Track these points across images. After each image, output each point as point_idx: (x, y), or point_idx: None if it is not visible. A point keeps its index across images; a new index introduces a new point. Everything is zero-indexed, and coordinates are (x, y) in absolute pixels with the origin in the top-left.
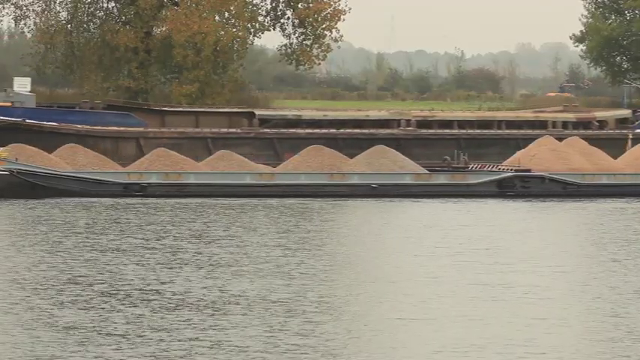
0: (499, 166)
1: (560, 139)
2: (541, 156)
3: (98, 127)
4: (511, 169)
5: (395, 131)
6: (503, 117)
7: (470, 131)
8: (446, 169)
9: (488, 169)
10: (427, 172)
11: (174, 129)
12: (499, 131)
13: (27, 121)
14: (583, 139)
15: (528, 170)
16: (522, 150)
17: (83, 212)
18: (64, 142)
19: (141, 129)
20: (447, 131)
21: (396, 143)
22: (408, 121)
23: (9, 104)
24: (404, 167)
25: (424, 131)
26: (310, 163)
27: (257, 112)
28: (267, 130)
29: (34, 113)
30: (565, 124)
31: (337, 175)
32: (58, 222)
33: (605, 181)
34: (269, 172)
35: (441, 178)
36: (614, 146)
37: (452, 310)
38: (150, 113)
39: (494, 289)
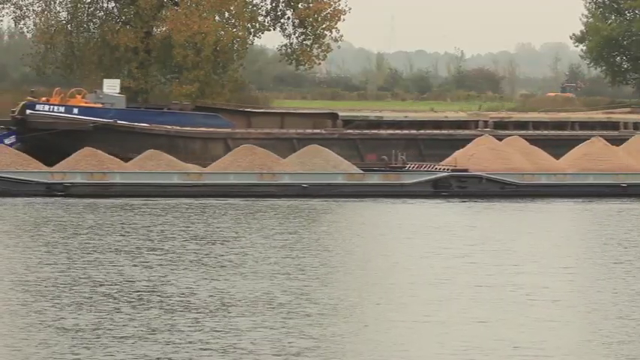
0: (437, 166)
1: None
2: (480, 155)
3: (187, 128)
4: (447, 169)
5: (473, 132)
6: (576, 118)
7: (545, 132)
8: (382, 168)
9: (425, 168)
10: (361, 172)
11: (261, 130)
12: (573, 132)
13: (118, 122)
14: None
15: (465, 170)
16: (461, 149)
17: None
18: (155, 143)
19: (229, 130)
20: (523, 132)
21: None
22: (486, 122)
23: (100, 105)
24: (337, 167)
25: (500, 132)
26: (241, 163)
27: (340, 113)
28: (350, 131)
29: (125, 114)
30: (636, 125)
31: (267, 174)
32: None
33: (544, 181)
34: (197, 171)
35: (375, 178)
36: None
37: (463, 312)
38: (236, 114)
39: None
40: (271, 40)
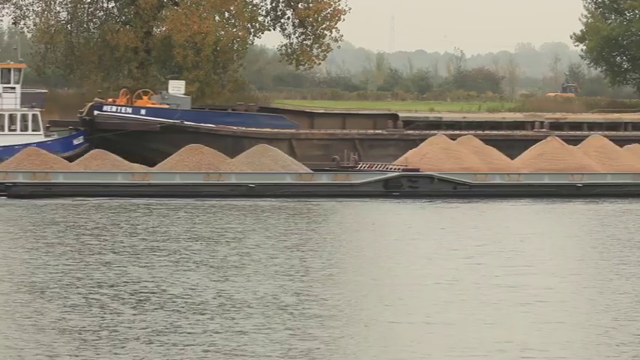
0: (389, 166)
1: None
2: (432, 155)
3: (253, 129)
4: (398, 169)
5: (529, 133)
6: (630, 119)
7: (599, 133)
8: (334, 168)
9: (377, 168)
10: (310, 171)
11: (324, 130)
12: (626, 133)
13: (185, 122)
14: None
15: (417, 170)
16: (413, 149)
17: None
18: (221, 144)
19: (293, 130)
20: (578, 132)
21: (528, 144)
22: (542, 123)
23: (166, 106)
24: (286, 167)
25: (556, 133)
26: (188, 163)
27: (400, 114)
28: (411, 132)
29: (191, 115)
30: None
31: (214, 174)
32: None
33: (498, 181)
34: (142, 171)
35: (324, 178)
36: None
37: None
38: (299, 115)
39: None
40: (271, 40)
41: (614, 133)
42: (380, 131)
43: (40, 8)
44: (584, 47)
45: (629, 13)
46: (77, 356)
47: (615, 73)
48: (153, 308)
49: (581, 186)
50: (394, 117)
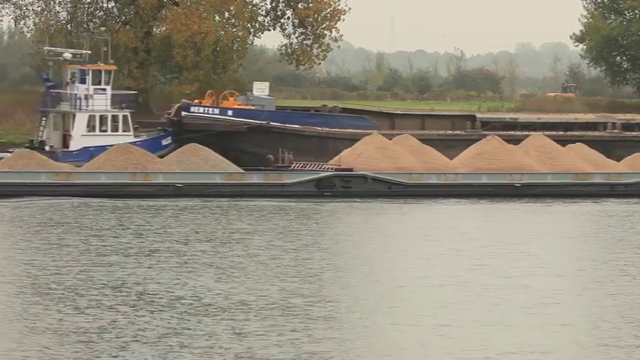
0: (323, 166)
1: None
2: (367, 154)
3: (337, 130)
4: (332, 169)
5: (602, 133)
6: None
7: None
8: (267, 168)
9: (310, 168)
10: (240, 171)
11: (405, 131)
12: None
13: (271, 123)
14: None
15: (350, 169)
16: (348, 149)
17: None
18: (306, 144)
19: (375, 131)
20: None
21: (601, 145)
22: (614, 124)
23: (252, 107)
24: (216, 166)
25: (628, 134)
26: (115, 162)
27: (478, 115)
28: (488, 132)
29: (276, 116)
30: None
31: (140, 174)
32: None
33: (434, 180)
34: (67, 171)
35: (254, 178)
36: None
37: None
38: (379, 116)
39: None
40: (271, 40)
41: None
42: (459, 132)
43: (39, 8)
44: (584, 47)
45: (628, 13)
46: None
47: (615, 73)
48: (159, 310)
49: (519, 186)
50: (472, 118)
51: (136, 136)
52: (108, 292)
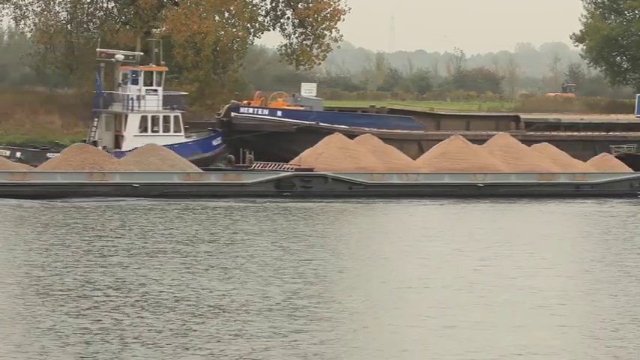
0: (284, 166)
1: None
2: (328, 154)
3: (384, 130)
4: (291, 169)
5: None
6: None
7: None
8: (228, 168)
9: (271, 168)
10: (199, 171)
11: (451, 131)
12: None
13: (320, 124)
14: None
15: (311, 169)
16: (309, 148)
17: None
18: None
19: (422, 132)
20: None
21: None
22: None
23: (301, 108)
24: (174, 166)
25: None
26: (72, 162)
27: (522, 116)
28: (532, 133)
29: (324, 116)
30: None
31: (97, 174)
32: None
33: (395, 180)
34: (22, 170)
35: (213, 178)
36: None
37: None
38: (425, 117)
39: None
40: (271, 40)
41: None
42: (503, 132)
43: (39, 8)
44: (584, 47)
45: (628, 13)
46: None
47: (615, 73)
48: (162, 311)
49: (482, 186)
50: (516, 119)
51: (186, 137)
52: (110, 294)
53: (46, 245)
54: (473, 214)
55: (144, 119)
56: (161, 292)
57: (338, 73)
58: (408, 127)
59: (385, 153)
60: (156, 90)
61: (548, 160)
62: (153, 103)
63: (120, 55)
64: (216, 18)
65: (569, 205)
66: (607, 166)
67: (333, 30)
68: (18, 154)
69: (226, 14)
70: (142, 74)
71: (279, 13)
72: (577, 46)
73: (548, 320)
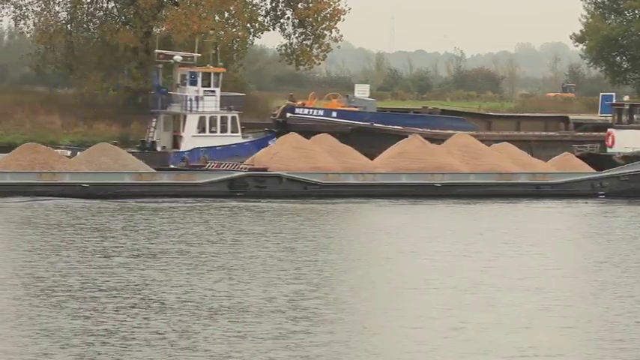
0: (239, 166)
1: None
2: (283, 154)
3: (437, 131)
4: (245, 169)
5: None
6: None
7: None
8: (178, 168)
9: (225, 168)
10: (152, 171)
11: (502, 132)
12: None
13: (375, 124)
14: None
15: (265, 169)
16: (264, 148)
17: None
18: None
19: (473, 132)
20: None
21: None
22: None
23: (355, 109)
24: (126, 166)
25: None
26: (22, 162)
27: (571, 117)
28: (581, 134)
29: (378, 117)
30: None
31: (47, 174)
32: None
33: (352, 180)
34: None
35: (165, 178)
36: None
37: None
38: (477, 118)
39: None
40: (271, 40)
41: None
42: (552, 133)
43: (39, 8)
44: (584, 47)
45: (628, 13)
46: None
47: (615, 73)
48: (169, 312)
49: (439, 186)
50: (565, 119)
51: (243, 137)
52: (112, 295)
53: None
54: (474, 215)
55: (202, 120)
56: (165, 293)
57: (338, 73)
58: (461, 128)
59: (342, 153)
60: (214, 91)
61: (508, 160)
62: (211, 104)
63: (178, 57)
64: (216, 18)
65: (528, 205)
66: (568, 165)
67: (333, 30)
68: (78, 154)
69: (226, 14)
70: (200, 75)
71: (279, 13)
72: (577, 46)
73: (552, 322)
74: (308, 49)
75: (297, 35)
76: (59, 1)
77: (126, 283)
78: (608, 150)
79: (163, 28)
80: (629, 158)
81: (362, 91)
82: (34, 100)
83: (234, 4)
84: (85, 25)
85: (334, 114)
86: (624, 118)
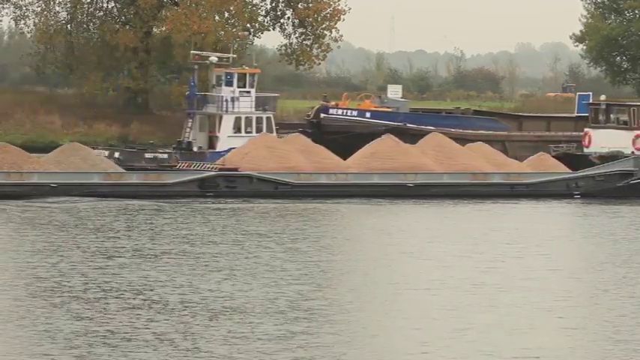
0: (210, 166)
1: None
2: (255, 154)
3: (470, 131)
4: (216, 168)
5: None
6: None
7: None
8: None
9: (196, 168)
10: (121, 171)
11: (533, 132)
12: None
13: (408, 125)
14: None
15: (235, 169)
16: (235, 148)
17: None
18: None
19: (506, 133)
20: None
21: None
22: None
23: (388, 109)
24: (95, 166)
25: None
26: None
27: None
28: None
29: (411, 118)
30: None
31: (15, 174)
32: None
33: (324, 180)
34: None
35: (134, 178)
36: None
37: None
38: (509, 118)
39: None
40: (271, 40)
41: None
42: (582, 133)
43: (39, 8)
44: (584, 47)
45: (628, 13)
46: None
47: (615, 73)
48: (172, 313)
49: (412, 186)
50: None
51: (279, 138)
52: (115, 296)
53: None
54: (474, 214)
55: (238, 120)
56: (168, 293)
57: (338, 73)
58: (493, 129)
59: (313, 153)
60: (249, 91)
61: (483, 160)
62: (246, 105)
63: (214, 58)
64: (216, 18)
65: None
66: (544, 165)
67: (333, 30)
68: (116, 155)
69: (226, 14)
70: (236, 76)
71: (279, 13)
72: (577, 46)
73: (554, 323)
74: (308, 49)
75: (297, 35)
76: (59, 1)
77: (128, 284)
78: (585, 150)
79: (163, 28)
80: (605, 158)
81: (395, 92)
82: (34, 100)
83: (234, 4)
84: (85, 25)
85: (368, 114)
86: (601, 117)
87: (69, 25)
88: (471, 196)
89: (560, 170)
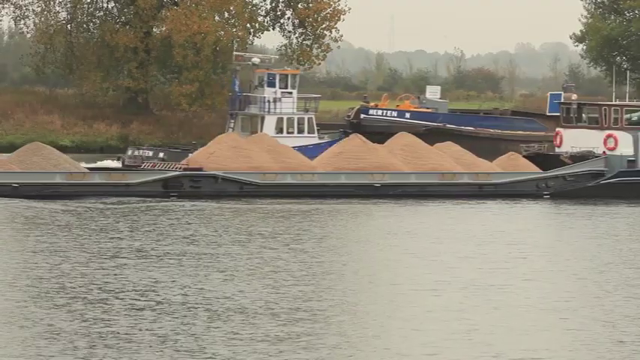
0: (176, 165)
1: None
2: (220, 154)
3: (509, 132)
4: (180, 168)
5: None
6: None
7: None
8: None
9: (160, 167)
10: (84, 171)
11: None
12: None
13: (447, 125)
14: None
15: (200, 169)
16: (200, 148)
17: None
18: (479, 145)
19: (543, 133)
20: None
21: None
22: None
23: (427, 110)
24: (58, 165)
25: None
26: None
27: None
28: None
29: (450, 118)
30: None
31: None
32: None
33: (289, 180)
34: None
35: (97, 178)
36: None
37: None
38: (546, 119)
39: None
40: (271, 40)
41: None
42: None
43: (39, 8)
44: (584, 47)
45: (628, 13)
46: None
47: (615, 73)
48: (174, 314)
49: (379, 186)
50: None
51: (319, 138)
52: (117, 297)
53: None
54: (481, 214)
55: (280, 121)
56: (170, 294)
57: (338, 73)
58: (531, 129)
59: (280, 152)
60: (291, 92)
61: (451, 160)
62: (288, 106)
63: (256, 59)
64: (216, 18)
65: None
66: (513, 165)
67: (333, 30)
68: (161, 155)
69: (226, 14)
70: (278, 77)
71: (279, 13)
72: (577, 46)
73: (555, 324)
74: (308, 49)
75: (297, 35)
76: (59, 1)
77: (131, 285)
78: (556, 149)
79: (163, 28)
80: (576, 158)
81: (433, 93)
82: (34, 100)
83: (234, 4)
84: (85, 26)
85: (407, 115)
86: (572, 117)
87: (69, 25)
88: (439, 197)
89: (531, 170)
